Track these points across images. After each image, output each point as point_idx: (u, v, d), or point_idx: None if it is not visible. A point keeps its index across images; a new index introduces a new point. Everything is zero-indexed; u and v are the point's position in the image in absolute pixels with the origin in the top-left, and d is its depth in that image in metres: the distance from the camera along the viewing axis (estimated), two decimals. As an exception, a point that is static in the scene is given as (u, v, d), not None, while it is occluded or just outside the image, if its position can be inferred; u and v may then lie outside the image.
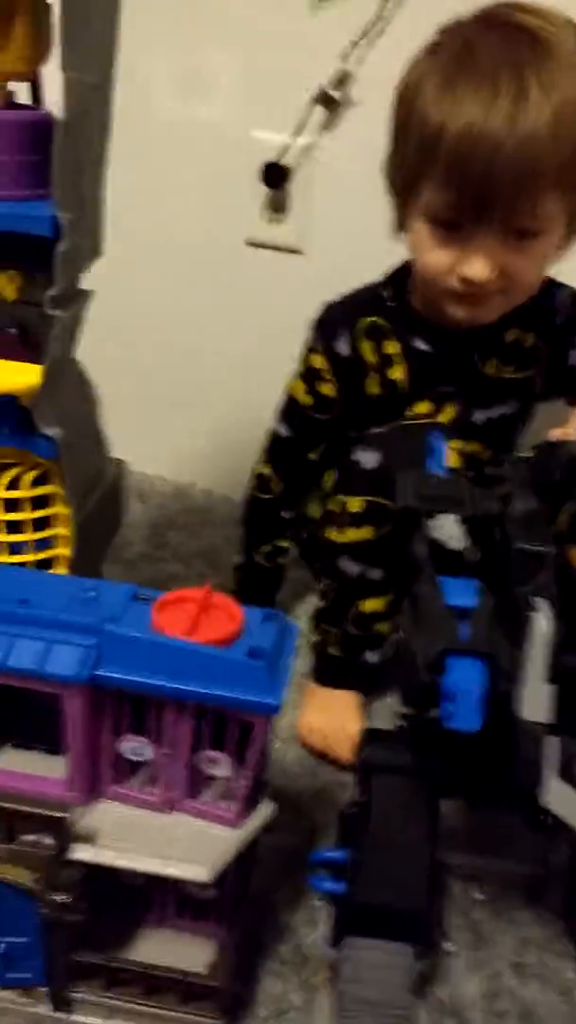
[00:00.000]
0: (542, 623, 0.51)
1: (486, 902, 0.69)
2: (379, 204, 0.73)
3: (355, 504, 0.73)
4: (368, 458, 0.73)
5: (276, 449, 0.84)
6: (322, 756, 0.78)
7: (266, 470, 0.85)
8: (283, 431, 0.83)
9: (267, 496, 0.85)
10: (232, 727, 0.50)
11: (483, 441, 0.78)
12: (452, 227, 0.67)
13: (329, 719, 0.78)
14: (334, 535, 0.75)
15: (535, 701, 0.51)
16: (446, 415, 0.77)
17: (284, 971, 0.62)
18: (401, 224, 0.72)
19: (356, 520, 0.73)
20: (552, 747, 0.50)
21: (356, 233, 0.83)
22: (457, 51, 0.65)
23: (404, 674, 0.51)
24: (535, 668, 0.51)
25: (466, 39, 0.65)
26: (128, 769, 0.51)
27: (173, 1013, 0.54)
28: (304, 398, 0.80)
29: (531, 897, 0.69)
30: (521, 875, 0.70)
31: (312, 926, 0.64)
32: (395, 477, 0.63)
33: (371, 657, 0.79)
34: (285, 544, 0.87)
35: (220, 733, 0.50)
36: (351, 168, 0.89)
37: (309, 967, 0.62)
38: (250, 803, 0.53)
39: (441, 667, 0.47)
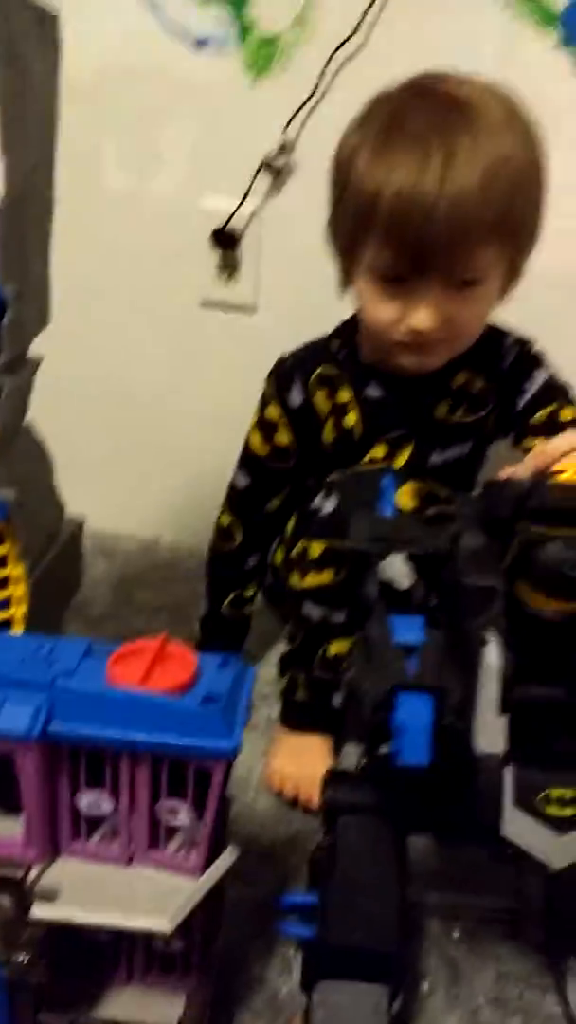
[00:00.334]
0: (492, 656, 0.51)
1: (463, 939, 0.69)
2: (326, 261, 0.77)
3: (315, 549, 0.75)
4: (326, 504, 0.76)
5: (236, 499, 0.86)
6: (294, 802, 0.79)
7: (228, 520, 0.86)
8: (242, 481, 0.85)
9: (230, 546, 0.86)
10: (190, 775, 0.50)
11: (441, 481, 0.81)
12: (395, 281, 0.69)
13: (299, 764, 0.79)
14: (296, 580, 0.77)
15: (489, 733, 0.51)
16: (402, 458, 0.79)
17: (257, 1022, 0.62)
18: (346, 281, 0.76)
19: (317, 565, 0.75)
20: (508, 778, 0.51)
21: (307, 289, 0.86)
22: (387, 120, 0.69)
23: (355, 713, 0.52)
24: (487, 700, 0.51)
25: (395, 108, 0.69)
26: (87, 824, 0.52)
27: (144, 1071, 0.54)
28: (261, 448, 0.82)
29: (508, 932, 0.69)
30: (497, 910, 0.70)
31: (286, 976, 0.64)
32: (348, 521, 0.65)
33: (339, 700, 0.80)
34: (250, 593, 0.88)
35: (179, 782, 0.51)
36: (298, 229, 0.93)
37: (282, 1017, 0.62)
38: (212, 851, 0.53)
39: (390, 704, 0.48)
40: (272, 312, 1.03)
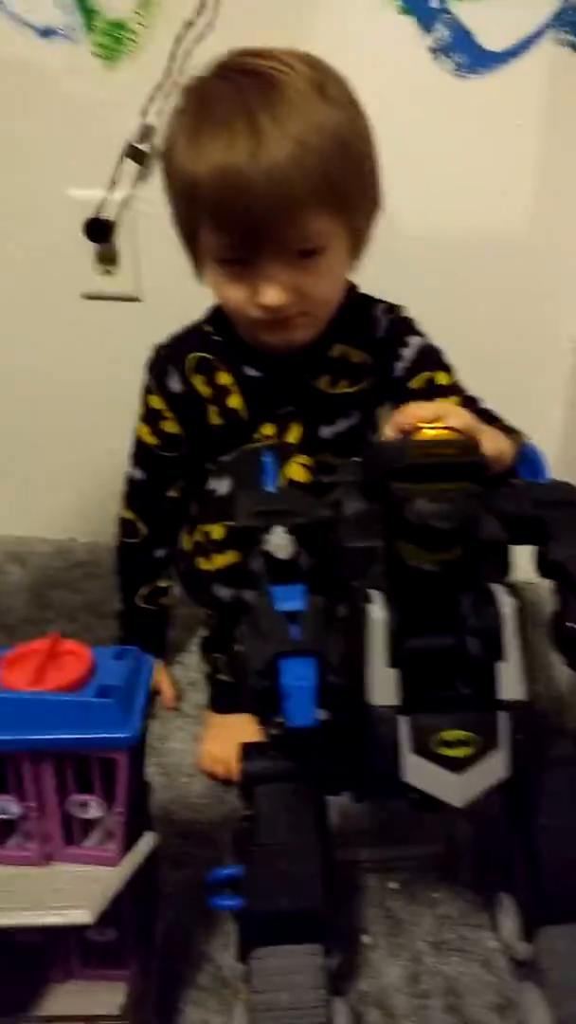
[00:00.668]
0: (377, 613, 0.54)
1: (400, 889, 0.71)
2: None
3: (216, 531, 0.76)
4: (220, 485, 0.76)
5: (134, 493, 0.85)
6: (228, 782, 0.80)
7: (129, 515, 0.86)
8: (137, 474, 0.84)
9: (134, 540, 0.86)
10: (94, 767, 0.51)
11: (335, 453, 0.81)
12: (237, 262, 0.69)
13: (229, 745, 0.79)
14: (204, 564, 0.78)
15: (382, 686, 0.53)
16: (293, 435, 0.80)
17: (203, 998, 0.63)
18: (198, 268, 0.76)
19: (220, 546, 0.76)
20: (403, 727, 0.53)
21: (188, 275, 0.86)
22: (196, 106, 0.69)
23: (245, 683, 0.53)
24: (377, 655, 0.54)
25: (203, 93, 0.70)
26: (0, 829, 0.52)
27: (89, 1062, 0.55)
28: (150, 439, 0.82)
29: (443, 877, 0.71)
30: (429, 857, 0.73)
31: (229, 950, 0.65)
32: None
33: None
34: (164, 584, 0.89)
35: (87, 776, 0.51)
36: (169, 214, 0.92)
37: (228, 991, 0.63)
38: (129, 839, 0.53)
39: (275, 670, 0.49)
40: (157, 299, 1.02)
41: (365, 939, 0.67)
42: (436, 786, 0.52)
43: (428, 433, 0.56)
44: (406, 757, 0.52)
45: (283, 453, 0.75)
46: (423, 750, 0.52)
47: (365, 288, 0.80)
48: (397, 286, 0.81)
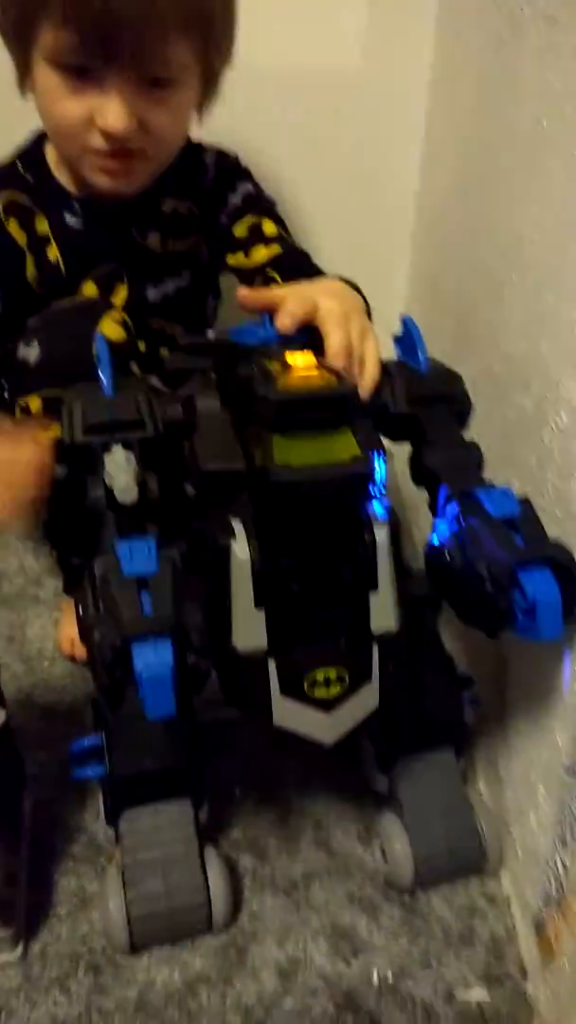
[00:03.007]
0: (241, 551, 0.48)
1: (271, 745, 0.72)
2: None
3: (35, 403, 0.69)
4: (30, 353, 0.67)
5: None
6: (90, 664, 0.78)
7: None
8: None
9: None
10: None
11: (165, 318, 0.77)
12: (82, 74, 0.61)
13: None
14: None
15: (248, 629, 0.48)
16: (118, 296, 0.74)
17: (78, 867, 0.63)
18: (23, 76, 0.65)
19: (42, 420, 0.70)
20: (272, 669, 0.49)
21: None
22: None
23: (92, 666, 0.46)
24: (241, 597, 0.48)
25: None
26: None
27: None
28: None
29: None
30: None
31: (101, 820, 0.65)
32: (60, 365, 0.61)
33: None
34: None
35: None
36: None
37: (102, 856, 0.63)
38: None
39: (126, 658, 0.43)
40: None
41: (236, 792, 0.69)
42: (306, 726, 0.50)
43: (299, 378, 0.48)
44: (276, 700, 0.49)
45: (96, 310, 0.68)
46: (293, 692, 0.49)
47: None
48: (226, 126, 0.75)
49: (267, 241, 0.73)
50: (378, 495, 0.50)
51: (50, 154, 0.72)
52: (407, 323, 0.60)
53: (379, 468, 0.49)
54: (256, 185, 0.76)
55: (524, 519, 0.51)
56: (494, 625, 0.51)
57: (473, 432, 0.72)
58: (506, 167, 0.64)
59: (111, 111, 0.61)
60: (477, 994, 0.57)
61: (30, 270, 0.71)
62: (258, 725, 0.50)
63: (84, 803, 0.67)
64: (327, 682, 0.50)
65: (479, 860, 0.61)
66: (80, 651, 0.79)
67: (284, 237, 0.74)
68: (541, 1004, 0.55)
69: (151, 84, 0.62)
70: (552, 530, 0.52)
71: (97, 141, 0.64)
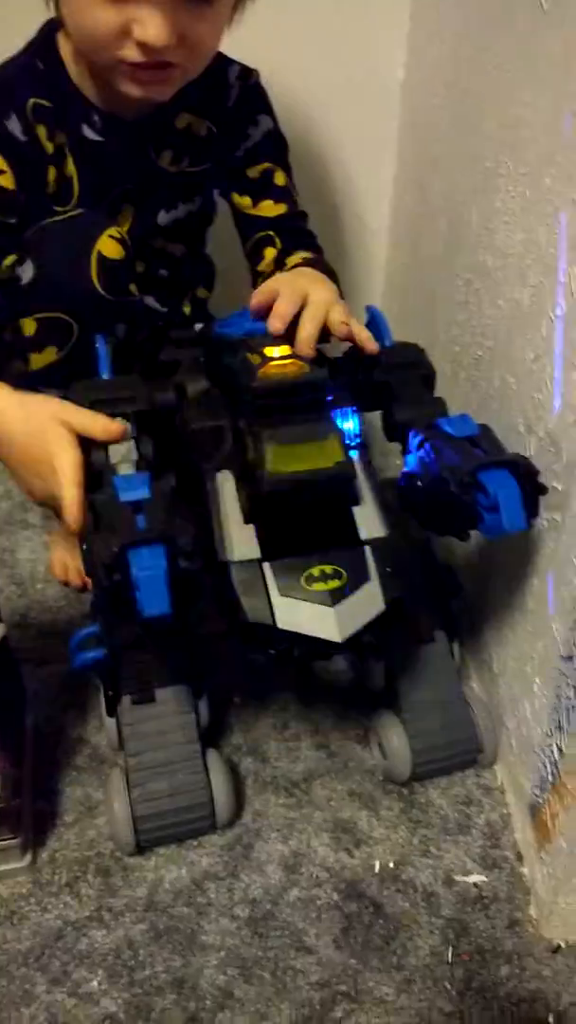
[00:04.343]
0: (227, 482, 0.54)
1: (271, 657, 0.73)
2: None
3: (29, 327, 0.67)
4: (25, 271, 0.65)
5: None
6: (81, 589, 0.78)
7: None
8: None
9: None
10: None
11: (168, 239, 0.74)
12: None
13: (77, 550, 0.77)
14: (22, 367, 0.69)
15: (240, 542, 0.52)
16: (124, 216, 0.70)
17: (82, 777, 0.64)
18: None
19: (36, 344, 0.67)
20: (268, 572, 0.50)
21: None
22: None
23: (95, 582, 0.50)
24: (231, 515, 0.52)
25: None
26: None
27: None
28: None
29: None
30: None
31: (102, 733, 0.66)
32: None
33: None
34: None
35: None
36: None
37: (106, 765, 0.64)
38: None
39: (123, 563, 0.46)
40: None
41: (236, 699, 0.69)
42: (312, 625, 0.49)
43: (275, 368, 0.53)
44: (276, 603, 0.49)
45: (93, 227, 0.66)
46: (292, 590, 0.49)
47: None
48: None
49: (276, 196, 0.72)
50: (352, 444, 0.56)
51: (66, 56, 0.66)
52: (372, 311, 0.64)
53: (354, 423, 0.56)
54: (274, 119, 0.73)
55: (484, 437, 0.55)
56: (463, 526, 0.54)
57: (465, 332, 0.72)
58: (501, 51, 0.61)
59: (152, 24, 0.57)
60: (475, 878, 0.59)
61: (51, 183, 0.66)
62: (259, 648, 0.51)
63: (86, 717, 0.68)
64: (324, 577, 0.50)
65: (475, 752, 0.62)
66: (73, 576, 0.79)
67: (290, 192, 0.73)
68: (538, 884, 0.57)
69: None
70: (550, 425, 0.53)
71: (132, 53, 0.59)
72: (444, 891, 0.58)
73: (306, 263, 0.67)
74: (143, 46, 0.58)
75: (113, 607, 0.48)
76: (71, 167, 0.66)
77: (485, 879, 0.58)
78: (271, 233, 0.72)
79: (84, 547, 0.50)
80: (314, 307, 0.58)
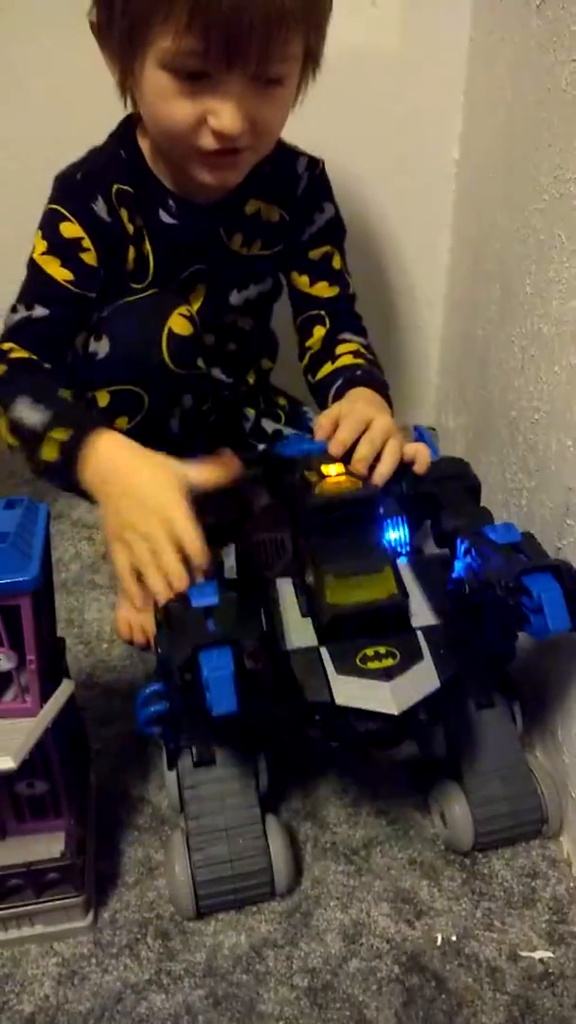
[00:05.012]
0: (287, 586, 0.61)
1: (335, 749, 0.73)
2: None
3: (102, 399, 0.71)
4: (100, 348, 0.69)
5: (31, 332, 0.68)
6: (144, 646, 0.80)
7: (23, 353, 0.67)
8: (38, 312, 0.68)
9: (35, 368, 0.66)
10: (-2, 619, 0.50)
11: (240, 314, 0.78)
12: (196, 77, 0.59)
13: (144, 610, 0.79)
14: None
15: (298, 632, 0.56)
16: (196, 295, 0.74)
17: (143, 837, 0.64)
18: (125, 80, 0.64)
19: (109, 415, 0.71)
20: (326, 654, 0.53)
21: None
22: None
23: (167, 682, 0.55)
24: (290, 611, 0.58)
25: None
26: None
27: (34, 906, 0.56)
28: (61, 272, 0.68)
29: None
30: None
31: (164, 792, 0.67)
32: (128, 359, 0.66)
33: None
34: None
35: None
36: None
37: (167, 827, 0.65)
38: (46, 688, 0.53)
39: (194, 664, 0.50)
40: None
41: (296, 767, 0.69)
42: (369, 700, 0.51)
43: (331, 484, 0.59)
44: (334, 680, 0.52)
45: (165, 305, 0.70)
46: (348, 670, 0.52)
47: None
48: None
49: (332, 279, 0.77)
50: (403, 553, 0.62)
51: (144, 146, 0.70)
52: (420, 431, 0.71)
53: (403, 532, 0.62)
54: (336, 206, 0.77)
55: (527, 544, 0.58)
56: (511, 629, 0.57)
57: (522, 397, 0.73)
58: (551, 123, 0.63)
59: (226, 114, 0.60)
60: (541, 954, 0.57)
61: (129, 262, 0.71)
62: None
63: (147, 776, 0.68)
64: (378, 656, 0.53)
65: (539, 822, 0.61)
66: (138, 634, 0.81)
67: (344, 276, 0.78)
68: (607, 963, 0.55)
69: (265, 83, 0.61)
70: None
71: (208, 141, 0.62)
72: (509, 966, 0.56)
73: (363, 377, 0.71)
74: (218, 134, 0.61)
75: (186, 705, 0.52)
76: (148, 247, 0.71)
77: (552, 955, 0.57)
78: (322, 313, 0.77)
79: (159, 649, 0.55)
80: (373, 432, 0.62)
